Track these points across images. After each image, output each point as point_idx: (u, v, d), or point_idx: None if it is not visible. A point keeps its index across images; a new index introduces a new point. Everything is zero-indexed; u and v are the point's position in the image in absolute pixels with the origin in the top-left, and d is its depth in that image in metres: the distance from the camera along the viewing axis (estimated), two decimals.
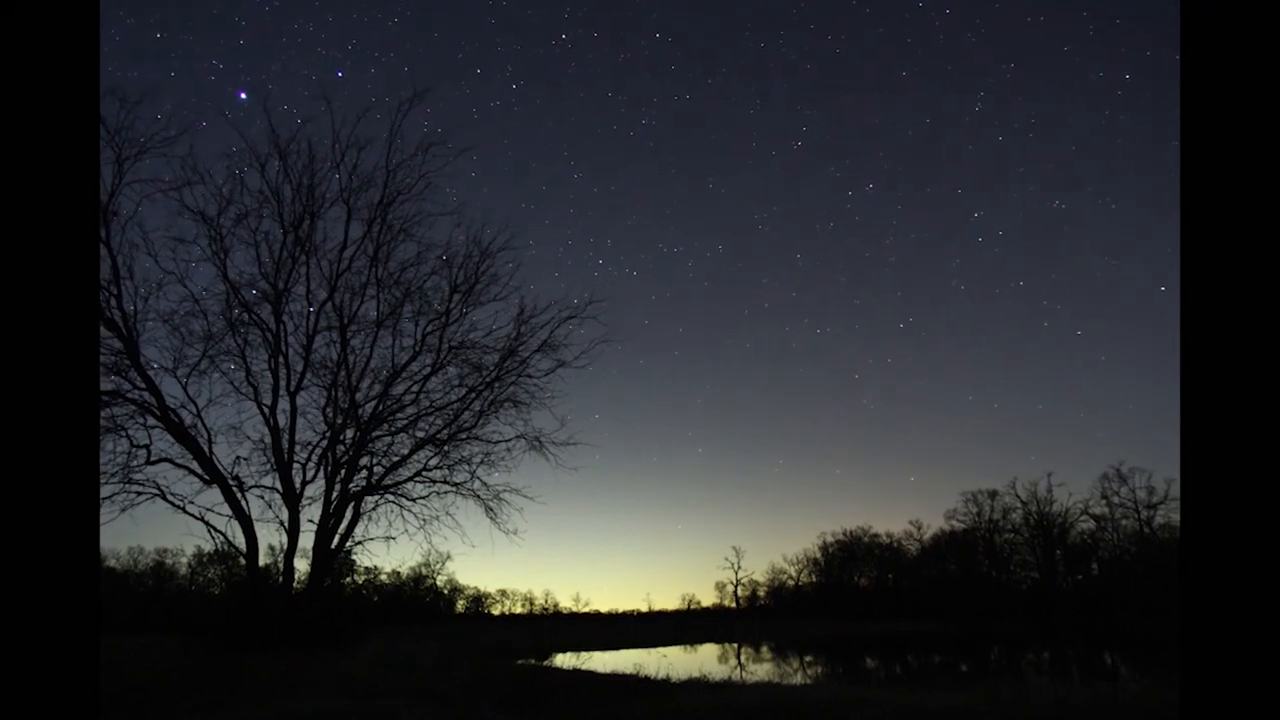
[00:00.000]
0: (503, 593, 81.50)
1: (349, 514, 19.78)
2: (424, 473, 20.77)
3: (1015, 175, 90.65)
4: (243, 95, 56.13)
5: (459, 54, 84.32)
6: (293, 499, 19.06)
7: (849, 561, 73.95)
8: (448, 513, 20.62)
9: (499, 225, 30.98)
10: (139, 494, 17.95)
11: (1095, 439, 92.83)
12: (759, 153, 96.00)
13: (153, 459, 18.16)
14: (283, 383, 19.56)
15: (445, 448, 20.80)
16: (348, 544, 20.10)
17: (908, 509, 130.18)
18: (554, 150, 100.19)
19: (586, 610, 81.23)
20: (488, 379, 20.96)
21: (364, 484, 20.10)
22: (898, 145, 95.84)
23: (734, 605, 79.93)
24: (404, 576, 68.65)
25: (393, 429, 20.68)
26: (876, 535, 73.26)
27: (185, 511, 18.37)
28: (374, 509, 20.39)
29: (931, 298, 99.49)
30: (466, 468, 20.74)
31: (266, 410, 19.32)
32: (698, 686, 11.35)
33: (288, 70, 67.88)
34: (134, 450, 17.90)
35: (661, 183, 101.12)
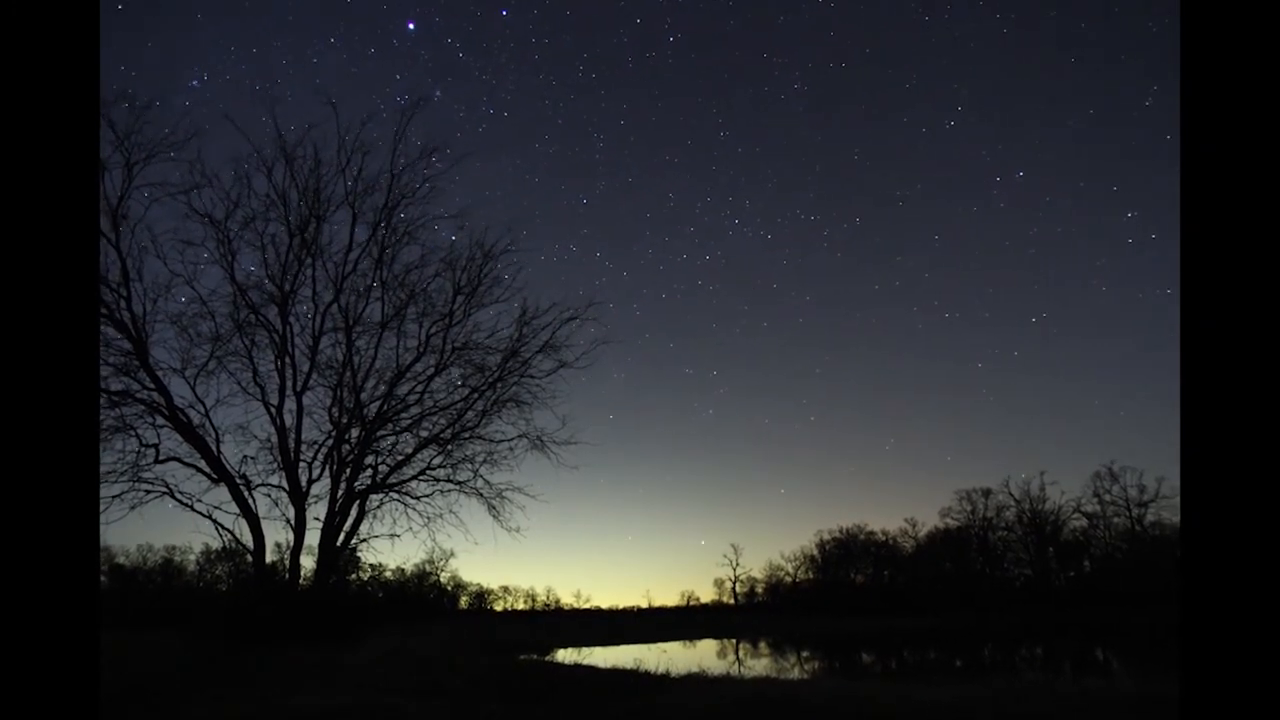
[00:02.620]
0: (505, 589, 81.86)
1: (354, 512, 20.11)
2: (428, 471, 21.11)
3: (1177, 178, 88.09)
4: (411, 25, 56.69)
5: (621, 1, 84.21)
6: (299, 497, 19.36)
7: (845, 559, 74.36)
8: (451, 511, 21.00)
9: (500, 230, 31.15)
10: (148, 492, 18.31)
11: (1087, 438, 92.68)
12: (909, 128, 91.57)
13: (161, 458, 18.49)
14: (289, 383, 19.89)
15: (449, 447, 21.14)
16: (353, 541, 20.41)
17: (903, 507, 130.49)
18: (702, 105, 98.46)
19: (588, 606, 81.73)
20: (490, 379, 21.29)
21: (369, 482, 20.42)
22: (1056, 134, 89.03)
23: (732, 602, 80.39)
24: (408, 573, 68.85)
25: (397, 428, 21.01)
26: (872, 533, 73.77)
27: (193, 509, 18.71)
28: (379, 507, 20.77)
29: (1069, 295, 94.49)
30: (470, 466, 21.11)
31: (273, 410, 19.65)
32: (696, 681, 11.49)
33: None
34: (143, 449, 18.24)
35: (806, 149, 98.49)
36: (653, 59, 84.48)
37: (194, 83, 59.53)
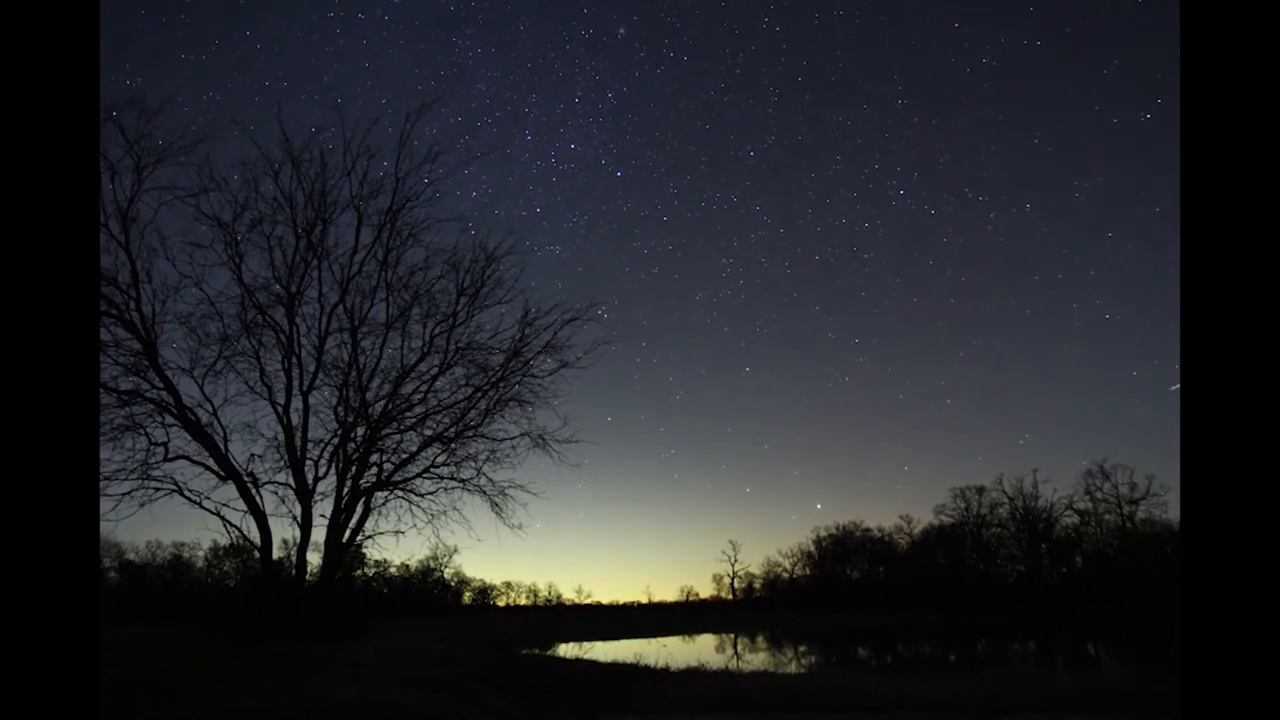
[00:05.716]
0: (508, 585, 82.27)
1: (359, 509, 20.40)
2: (432, 469, 21.40)
3: None
4: None
5: None
6: (305, 494, 19.64)
7: (841, 555, 74.84)
8: (455, 508, 21.32)
9: (505, 231, 31.45)
10: (157, 489, 18.59)
11: (1080, 436, 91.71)
12: (1099, 118, 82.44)
13: (170, 456, 18.76)
14: (296, 382, 20.17)
15: (452, 445, 21.44)
16: (358, 538, 20.71)
17: (898, 504, 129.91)
18: (883, 70, 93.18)
19: (588, 602, 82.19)
20: (493, 379, 21.57)
21: (374, 480, 20.70)
22: None
23: (730, 597, 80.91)
24: (412, 569, 69.53)
25: (402, 427, 21.29)
26: (868, 530, 74.25)
27: (202, 507, 19.02)
28: (384, 504, 21.08)
29: None
30: (473, 464, 21.43)
31: (280, 409, 19.94)
32: (696, 675, 11.77)
33: None
34: (152, 448, 18.53)
35: (986, 127, 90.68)
36: (839, 18, 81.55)
37: (380, 11, 60.34)
